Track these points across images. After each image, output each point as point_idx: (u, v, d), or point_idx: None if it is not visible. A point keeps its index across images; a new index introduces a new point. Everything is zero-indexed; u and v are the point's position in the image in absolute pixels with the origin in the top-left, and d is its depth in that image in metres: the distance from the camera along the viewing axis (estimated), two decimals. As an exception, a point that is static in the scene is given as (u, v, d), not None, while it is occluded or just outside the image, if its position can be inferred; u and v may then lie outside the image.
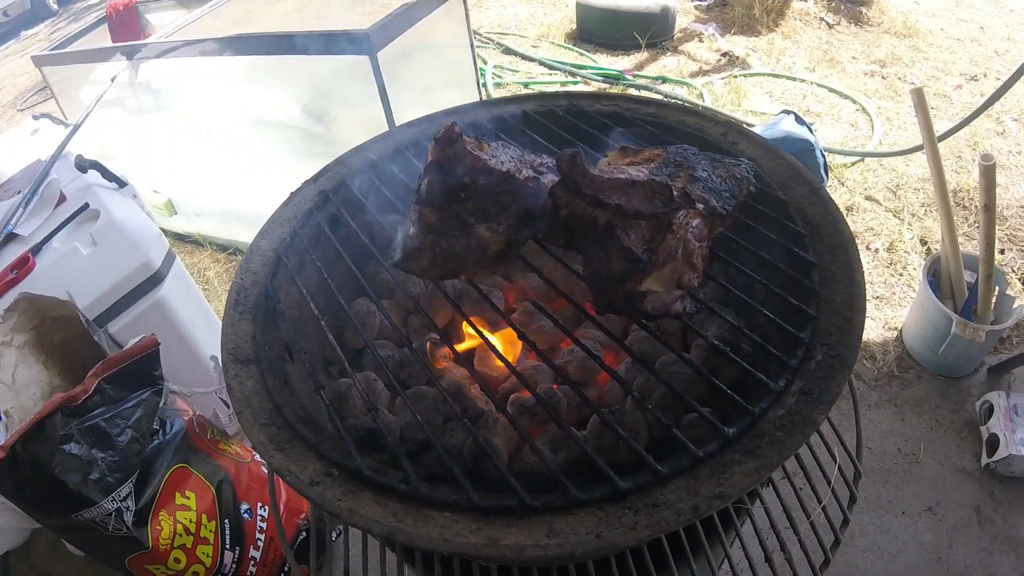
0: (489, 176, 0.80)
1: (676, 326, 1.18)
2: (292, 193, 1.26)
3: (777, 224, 1.08)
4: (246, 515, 1.80)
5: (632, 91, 4.07)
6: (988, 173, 1.90)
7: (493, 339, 1.07)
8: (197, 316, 2.17)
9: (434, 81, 2.82)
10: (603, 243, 0.78)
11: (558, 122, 1.33)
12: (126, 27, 3.02)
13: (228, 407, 2.10)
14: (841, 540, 1.05)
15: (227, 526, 1.71)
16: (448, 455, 0.78)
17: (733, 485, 0.72)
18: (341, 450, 0.80)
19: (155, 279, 1.99)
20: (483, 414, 0.99)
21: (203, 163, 3.07)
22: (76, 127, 2.38)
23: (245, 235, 3.07)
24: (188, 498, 1.64)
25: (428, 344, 1.12)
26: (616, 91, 4.08)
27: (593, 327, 1.13)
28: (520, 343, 1.17)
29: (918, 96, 2.13)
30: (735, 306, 1.17)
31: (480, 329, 0.93)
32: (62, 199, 2.09)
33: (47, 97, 3.28)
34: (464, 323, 1.20)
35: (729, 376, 1.01)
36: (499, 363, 1.13)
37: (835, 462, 1.17)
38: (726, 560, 1.08)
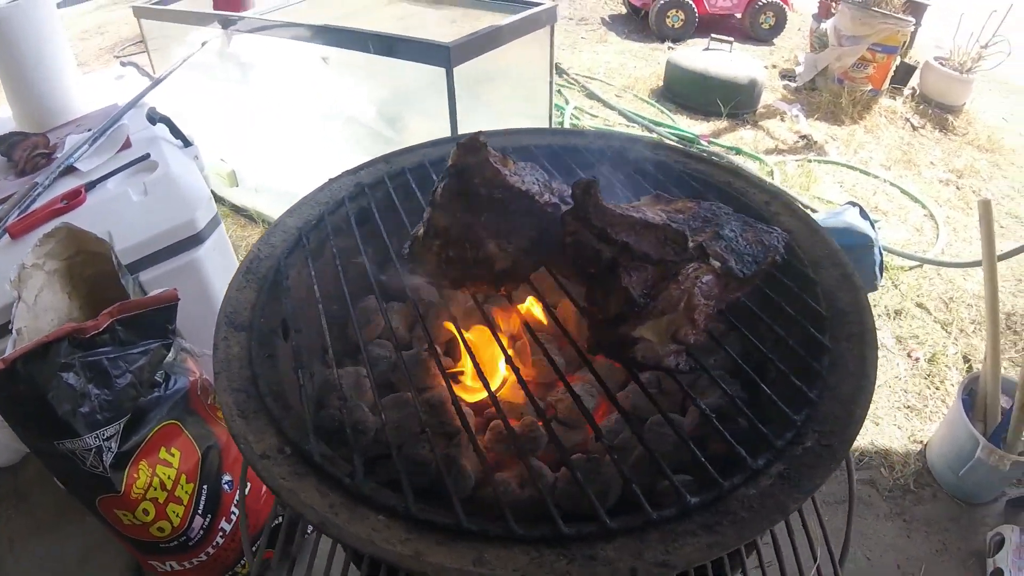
0: (506, 192, 0.79)
1: (677, 388, 1.15)
2: (330, 179, 1.27)
3: (800, 303, 1.05)
4: (226, 486, 1.79)
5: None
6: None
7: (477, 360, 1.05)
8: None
9: (508, 108, 2.86)
10: (604, 280, 0.76)
11: (604, 162, 1.32)
12: (230, -4, 3.13)
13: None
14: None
15: (204, 492, 1.71)
16: (408, 463, 0.77)
17: (680, 556, 0.68)
18: (302, 431, 0.79)
19: (196, 239, 2.03)
20: (459, 433, 0.97)
21: (272, 143, 3.15)
22: (157, 81, 2.47)
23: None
24: (173, 455, 1.64)
25: (424, 353, 1.11)
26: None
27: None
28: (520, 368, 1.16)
29: (984, 207, 2.06)
30: (743, 380, 1.13)
31: (470, 347, 0.92)
32: (127, 145, 2.17)
33: (144, 49, 3.41)
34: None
35: (718, 450, 0.97)
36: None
37: (815, 561, 1.11)
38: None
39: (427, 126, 2.72)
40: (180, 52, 2.91)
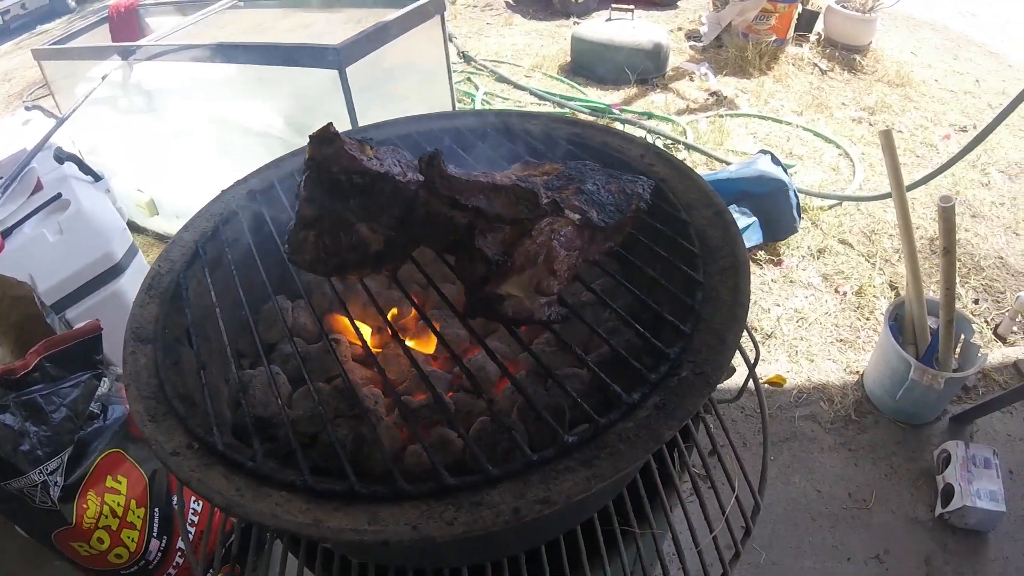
0: (366, 176, 0.85)
1: (580, 340, 1.21)
2: (222, 191, 1.31)
3: (674, 244, 1.12)
4: (176, 507, 1.82)
5: (617, 124, 4.14)
6: (947, 215, 1.89)
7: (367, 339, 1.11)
8: None
9: (410, 103, 2.89)
10: (466, 245, 0.82)
11: (487, 140, 1.38)
12: (126, 28, 3.12)
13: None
14: (729, 573, 1.06)
15: (156, 514, 1.74)
16: (323, 447, 0.82)
17: (559, 492, 0.74)
18: (206, 427, 0.84)
19: (115, 270, 2.05)
20: (368, 412, 1.03)
21: (187, 167, 3.14)
22: (61, 121, 2.46)
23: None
24: (119, 482, 1.67)
25: (332, 343, 1.16)
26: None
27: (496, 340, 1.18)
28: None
29: (886, 138, 2.11)
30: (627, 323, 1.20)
31: (360, 329, 0.98)
32: (39, 187, 2.16)
33: (49, 91, 3.37)
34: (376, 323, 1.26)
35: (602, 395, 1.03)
36: (402, 366, 1.19)
37: (733, 492, 1.18)
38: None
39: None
40: (84, 89, 2.89)
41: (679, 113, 4.29)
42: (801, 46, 4.88)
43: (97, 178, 2.28)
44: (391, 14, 2.39)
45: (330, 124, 0.87)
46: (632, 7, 4.66)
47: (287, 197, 1.25)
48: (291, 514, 0.73)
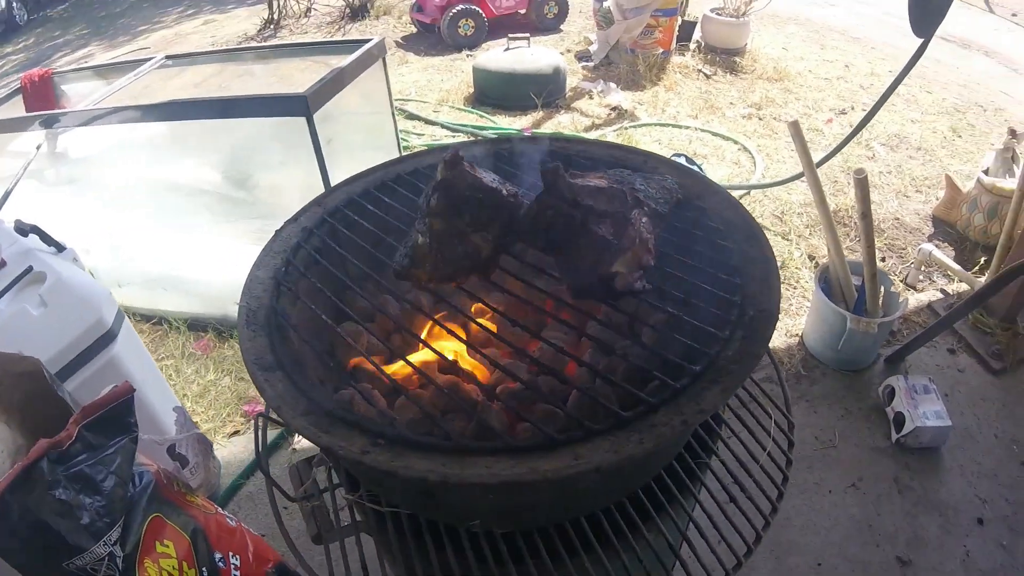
0: (483, 191, 0.99)
1: (622, 320, 1.38)
2: (276, 232, 1.39)
3: (702, 224, 1.32)
4: (220, 563, 1.83)
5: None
6: (862, 185, 2.24)
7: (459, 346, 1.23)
8: (147, 373, 2.20)
9: (358, 143, 3.00)
10: (579, 238, 0.98)
11: (507, 162, 1.55)
12: (41, 98, 3.03)
13: (188, 461, 2.12)
14: (788, 476, 1.26)
15: (205, 573, 1.74)
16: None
17: (708, 402, 0.91)
18: (382, 424, 0.94)
19: (108, 337, 2.02)
20: (477, 403, 1.15)
21: (125, 233, 3.08)
22: (7, 195, 2.39)
23: (171, 303, 3.07)
24: (167, 546, 1.66)
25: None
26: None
27: (554, 331, 1.34)
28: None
29: (795, 128, 2.44)
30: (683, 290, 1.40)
31: (459, 335, 1.11)
32: (2, 264, 2.10)
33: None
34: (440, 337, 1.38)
35: (676, 351, 1.21)
36: (478, 366, 1.32)
37: (770, 417, 1.39)
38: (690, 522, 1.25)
39: (286, 177, 2.79)
40: (5, 164, 2.79)
41: (587, 130, 4.58)
42: (684, 55, 5.33)
43: (60, 248, 2.23)
44: (337, 60, 2.49)
45: (457, 149, 1.00)
46: (528, 35, 4.94)
47: (344, 228, 1.36)
48: (506, 469, 0.85)
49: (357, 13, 7.16)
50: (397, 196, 1.47)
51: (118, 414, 1.62)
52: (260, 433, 1.39)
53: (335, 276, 1.27)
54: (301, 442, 2.49)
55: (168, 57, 3.14)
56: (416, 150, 4.28)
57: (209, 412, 2.61)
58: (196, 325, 2.99)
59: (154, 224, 2.92)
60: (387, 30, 6.97)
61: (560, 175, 0.94)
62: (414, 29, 6.80)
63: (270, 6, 7.10)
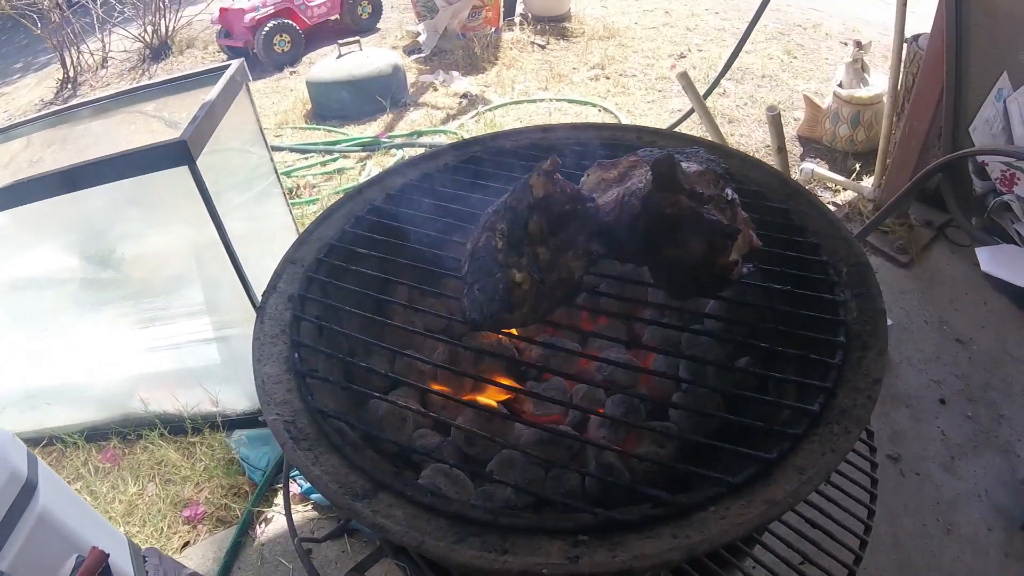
0: (579, 202, 0.83)
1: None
2: (259, 309, 1.15)
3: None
4: None
5: (394, 151, 4.14)
6: (775, 121, 2.28)
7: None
8: (84, 518, 1.79)
9: (237, 183, 2.66)
10: (689, 232, 0.85)
11: (514, 158, 1.40)
12: None
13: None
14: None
15: None
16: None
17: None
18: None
19: (28, 489, 1.61)
20: (583, 448, 1.01)
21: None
22: None
23: (60, 418, 2.57)
24: None
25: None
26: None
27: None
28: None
29: (684, 79, 2.47)
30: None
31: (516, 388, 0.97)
32: None
33: None
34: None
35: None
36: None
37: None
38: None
39: (161, 243, 2.42)
40: None
41: (443, 123, 4.41)
42: (513, 30, 5.29)
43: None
44: (201, 94, 2.17)
45: (555, 157, 0.82)
46: (359, 39, 4.67)
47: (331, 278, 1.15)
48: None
49: (159, 52, 6.43)
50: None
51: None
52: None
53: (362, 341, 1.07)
54: (266, 532, 2.19)
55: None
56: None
57: (146, 530, 2.22)
58: (95, 435, 2.53)
59: (14, 333, 2.43)
60: (195, 64, 6.32)
61: (676, 165, 0.81)
62: (224, 57, 6.22)
63: (63, 64, 6.19)
